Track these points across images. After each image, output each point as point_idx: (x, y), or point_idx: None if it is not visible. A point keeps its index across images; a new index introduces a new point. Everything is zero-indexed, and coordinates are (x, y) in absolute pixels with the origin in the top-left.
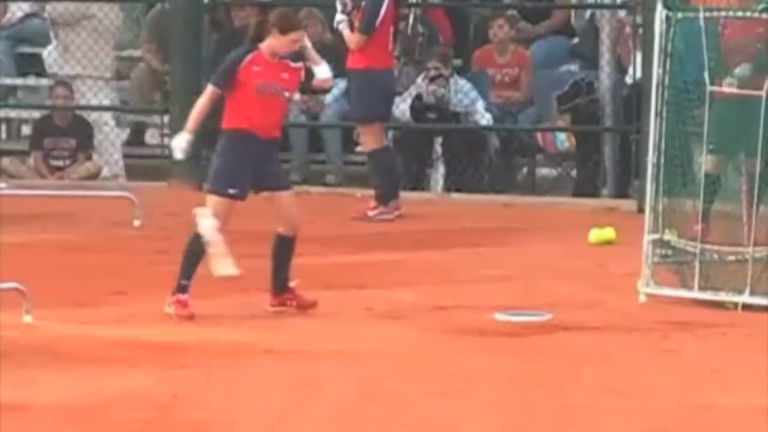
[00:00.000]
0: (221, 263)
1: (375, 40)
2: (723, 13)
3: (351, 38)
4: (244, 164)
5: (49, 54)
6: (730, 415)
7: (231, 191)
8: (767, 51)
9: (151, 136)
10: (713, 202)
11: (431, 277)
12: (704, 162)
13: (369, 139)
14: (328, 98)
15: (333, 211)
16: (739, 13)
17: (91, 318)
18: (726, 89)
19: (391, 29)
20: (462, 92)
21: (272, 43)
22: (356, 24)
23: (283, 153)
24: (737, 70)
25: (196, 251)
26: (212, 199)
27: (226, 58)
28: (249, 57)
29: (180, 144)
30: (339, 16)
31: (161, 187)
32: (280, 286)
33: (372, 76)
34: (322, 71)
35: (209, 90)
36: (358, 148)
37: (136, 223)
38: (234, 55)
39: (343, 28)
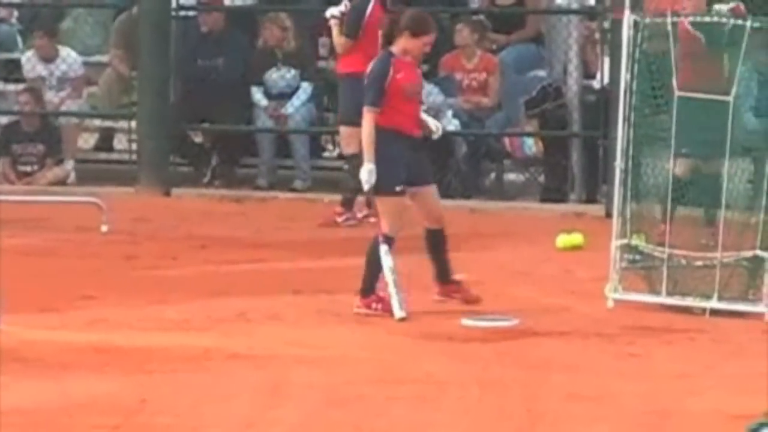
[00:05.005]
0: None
1: (362, 44)
2: (690, 18)
3: (337, 41)
4: (400, 162)
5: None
6: (696, 420)
7: (398, 189)
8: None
9: (118, 142)
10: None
11: None
12: (672, 166)
13: (354, 142)
14: (295, 103)
15: (301, 217)
16: (707, 18)
17: (59, 323)
18: (692, 94)
19: (380, 33)
20: (430, 97)
21: (405, 45)
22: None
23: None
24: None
25: None
26: (383, 200)
27: (370, 75)
28: (390, 68)
29: (369, 177)
30: (332, 11)
31: (129, 193)
32: (443, 277)
33: (359, 79)
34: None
35: (370, 115)
36: (327, 153)
37: (104, 228)
38: (377, 71)
39: (334, 25)
